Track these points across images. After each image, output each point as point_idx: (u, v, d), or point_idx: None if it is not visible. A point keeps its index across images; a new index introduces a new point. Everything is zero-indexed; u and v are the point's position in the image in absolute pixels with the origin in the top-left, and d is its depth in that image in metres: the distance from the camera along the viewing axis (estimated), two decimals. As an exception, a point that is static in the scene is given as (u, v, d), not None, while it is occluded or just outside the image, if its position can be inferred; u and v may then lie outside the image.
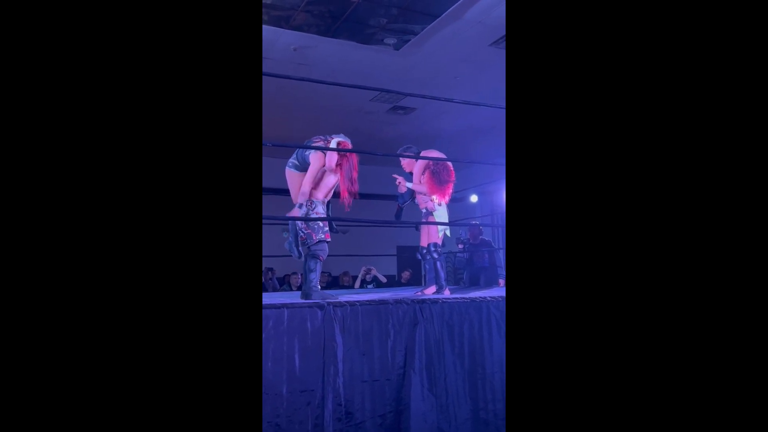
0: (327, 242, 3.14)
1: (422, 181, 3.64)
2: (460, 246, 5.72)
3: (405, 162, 3.78)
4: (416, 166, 3.68)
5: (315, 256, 3.10)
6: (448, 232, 3.75)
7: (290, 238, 3.29)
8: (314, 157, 3.19)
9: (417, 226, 4.04)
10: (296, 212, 3.17)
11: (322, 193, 3.20)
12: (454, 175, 3.65)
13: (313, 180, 3.18)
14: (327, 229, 3.17)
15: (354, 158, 3.24)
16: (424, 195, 3.69)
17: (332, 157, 3.16)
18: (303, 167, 3.28)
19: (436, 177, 3.58)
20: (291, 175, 3.33)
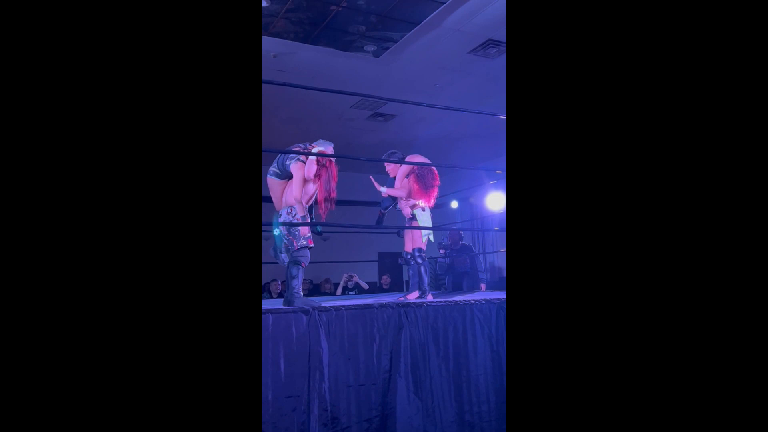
0: (309, 248, 3.13)
1: (406, 186, 3.66)
2: (442, 251, 5.75)
3: (390, 167, 3.80)
4: (399, 171, 3.70)
5: (297, 263, 3.09)
6: (431, 237, 3.77)
7: (273, 245, 3.28)
8: (295, 168, 3.19)
9: (399, 231, 4.06)
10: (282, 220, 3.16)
11: (303, 200, 3.20)
12: (438, 179, 3.68)
13: (302, 189, 3.17)
14: (309, 235, 3.16)
15: (333, 168, 3.24)
16: (405, 200, 3.71)
17: (311, 168, 3.16)
18: (284, 175, 3.27)
19: (421, 181, 3.61)
20: (272, 182, 3.33)
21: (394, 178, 3.77)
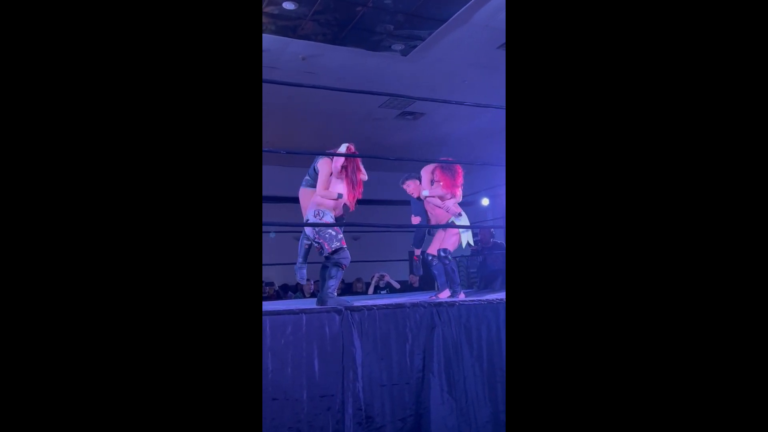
0: (345, 248, 3.17)
1: (437, 185, 3.66)
2: (471, 247, 5.70)
3: (411, 188, 3.82)
4: (423, 178, 3.72)
5: (338, 264, 3.12)
6: (471, 241, 3.75)
7: (299, 260, 3.33)
8: (322, 164, 3.26)
9: (429, 230, 4.05)
10: (309, 228, 3.21)
11: (331, 203, 3.24)
12: (461, 176, 3.69)
13: (325, 185, 3.23)
14: (341, 236, 3.19)
15: (357, 161, 3.31)
16: (441, 199, 3.69)
17: (338, 160, 3.24)
18: (315, 179, 3.33)
19: (448, 171, 3.63)
20: (304, 192, 3.39)
21: (418, 198, 3.79)
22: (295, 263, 3.39)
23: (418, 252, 3.95)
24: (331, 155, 3.25)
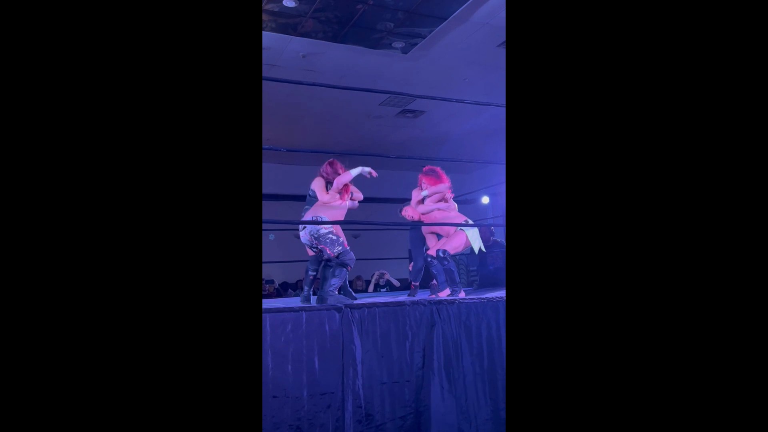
0: (348, 250, 3.18)
1: (430, 190, 3.67)
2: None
3: (409, 212, 3.83)
4: (413, 193, 3.73)
5: (343, 265, 3.12)
6: (483, 247, 3.74)
7: (305, 288, 3.34)
8: (315, 183, 3.32)
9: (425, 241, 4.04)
10: (305, 234, 3.22)
11: (329, 212, 3.26)
12: (441, 170, 3.70)
13: (325, 192, 3.26)
14: (342, 239, 3.19)
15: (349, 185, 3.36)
16: (437, 194, 3.69)
17: (340, 181, 3.27)
18: (313, 200, 3.38)
19: (430, 173, 3.64)
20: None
21: (418, 222, 3.81)
22: (294, 261, 3.41)
23: (416, 284, 3.95)
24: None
